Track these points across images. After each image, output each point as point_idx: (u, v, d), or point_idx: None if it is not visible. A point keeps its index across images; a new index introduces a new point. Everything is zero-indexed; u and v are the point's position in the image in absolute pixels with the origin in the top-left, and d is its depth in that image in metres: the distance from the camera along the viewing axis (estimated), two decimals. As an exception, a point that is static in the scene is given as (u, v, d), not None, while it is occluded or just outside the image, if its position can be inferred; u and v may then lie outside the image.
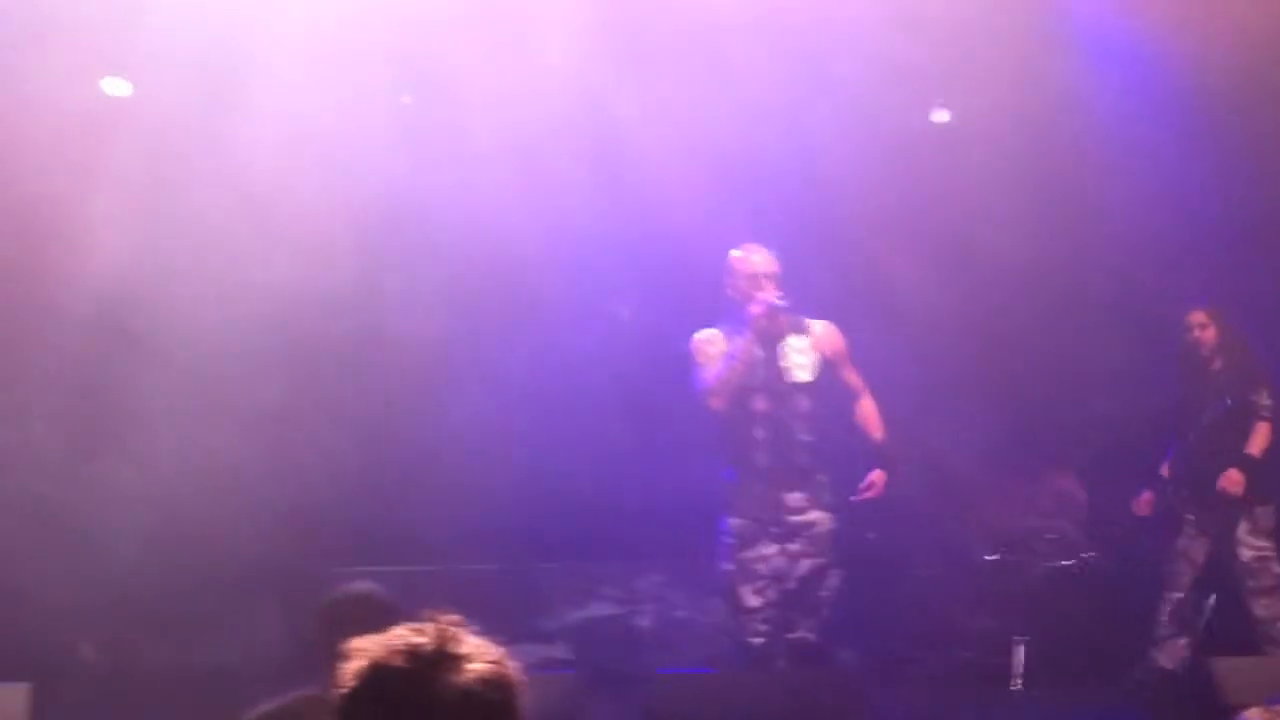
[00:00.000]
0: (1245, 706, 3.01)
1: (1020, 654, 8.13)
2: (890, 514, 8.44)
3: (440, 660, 2.01)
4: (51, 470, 8.04)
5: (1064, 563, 8.57)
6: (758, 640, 6.98)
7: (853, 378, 7.25)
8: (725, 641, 7.41)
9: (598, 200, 8.33)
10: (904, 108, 8.59)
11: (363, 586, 4.53)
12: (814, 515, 7.03)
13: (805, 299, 7.03)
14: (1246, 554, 7.76)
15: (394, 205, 8.20)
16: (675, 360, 7.39)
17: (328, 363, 8.49)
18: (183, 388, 8.17)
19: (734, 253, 7.08)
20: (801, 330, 7.05)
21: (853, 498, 7.12)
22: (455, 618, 2.08)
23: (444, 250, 8.41)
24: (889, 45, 7.98)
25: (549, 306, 8.53)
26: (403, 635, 2.06)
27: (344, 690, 2.03)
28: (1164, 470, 8.07)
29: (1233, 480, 7.71)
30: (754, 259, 7.01)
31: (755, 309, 6.89)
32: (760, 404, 6.98)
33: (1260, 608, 7.75)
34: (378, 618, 3.88)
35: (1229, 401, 7.76)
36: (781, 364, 7.00)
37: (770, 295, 6.88)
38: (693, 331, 7.19)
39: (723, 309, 7.15)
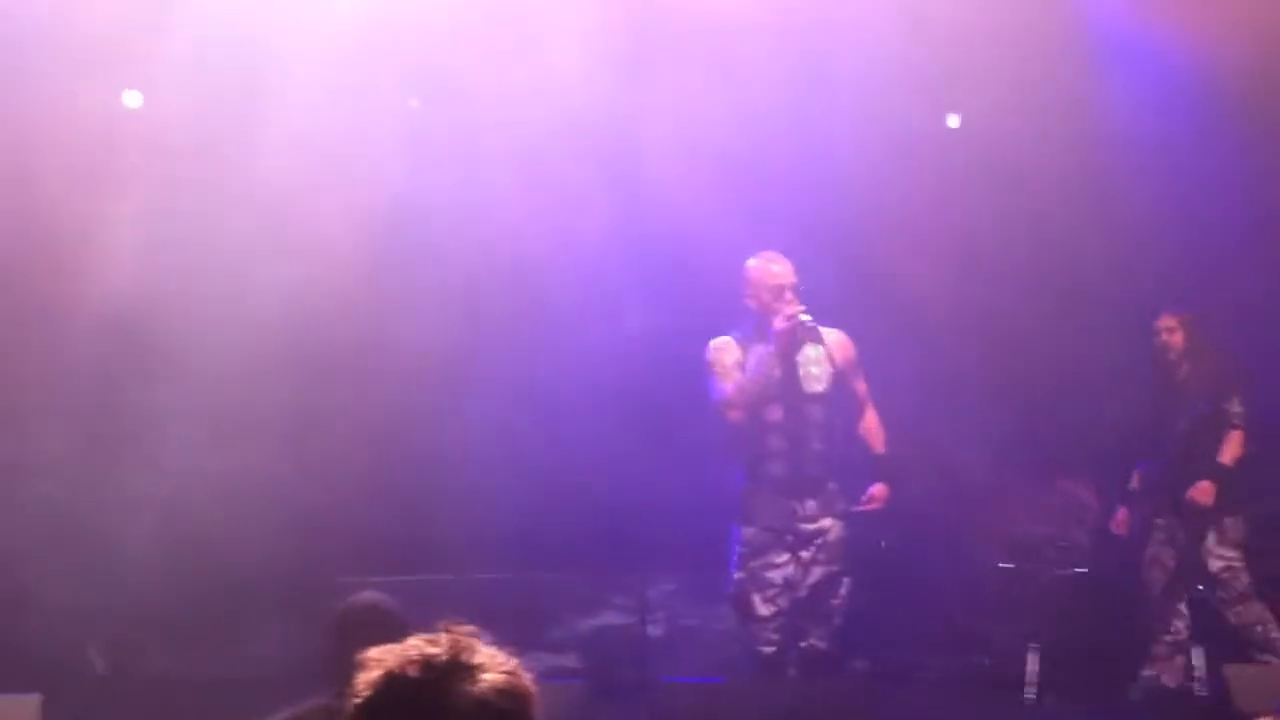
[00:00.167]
0: (1258, 714, 2.99)
1: (1034, 662, 8.10)
2: (902, 521, 8.44)
3: (454, 670, 2.00)
4: (64, 477, 8.03)
5: (1076, 569, 8.53)
6: (769, 649, 6.97)
7: (860, 388, 7.26)
8: (736, 650, 7.40)
9: (608, 206, 8.32)
10: (913, 111, 8.57)
11: (371, 596, 4.53)
12: (826, 523, 7.03)
13: (812, 304, 7.01)
14: (1215, 565, 7.71)
15: (404, 211, 8.20)
16: (686, 366, 7.38)
17: (338, 370, 8.48)
18: (194, 395, 8.17)
19: (751, 262, 7.05)
20: (817, 340, 7.05)
21: (854, 508, 7.12)
22: (470, 628, 2.07)
23: (454, 256, 8.40)
24: (900, 49, 7.98)
25: (559, 312, 8.51)
26: (417, 645, 2.05)
27: (358, 700, 2.02)
28: (1134, 483, 8.04)
29: (1203, 491, 7.67)
30: (774, 269, 6.98)
31: (781, 324, 6.87)
32: (775, 414, 6.97)
33: (1233, 615, 7.70)
34: (386, 627, 3.91)
35: (1204, 406, 7.71)
36: (798, 374, 6.99)
37: (795, 309, 6.85)
38: (702, 337, 7.18)
39: (733, 315, 7.14)
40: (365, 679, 2.02)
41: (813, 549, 7.00)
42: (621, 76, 8.03)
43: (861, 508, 7.12)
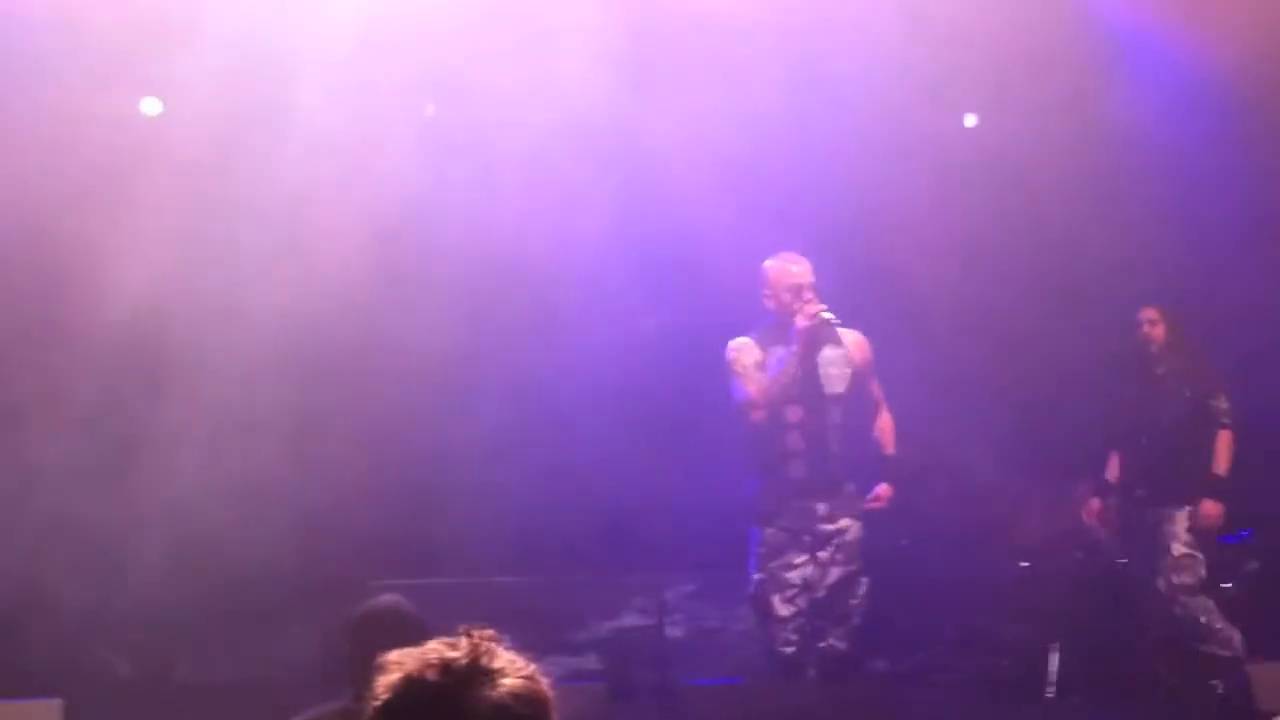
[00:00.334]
0: (1276, 713, 2.98)
1: (1054, 662, 8.07)
2: (920, 522, 8.43)
3: (473, 674, 1.99)
4: (81, 486, 8.04)
5: (1096, 568, 8.50)
6: (788, 649, 6.97)
7: (875, 389, 7.25)
8: (756, 651, 7.39)
9: (614, 207, 8.33)
10: (915, 111, 8.56)
11: (389, 600, 4.53)
12: (844, 523, 7.03)
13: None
14: (1177, 549, 7.65)
15: (413, 214, 8.21)
16: (695, 366, 7.38)
17: (355, 376, 8.49)
18: (210, 402, 8.18)
19: (770, 262, 7.05)
20: (836, 340, 7.04)
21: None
22: (489, 632, 2.06)
23: (465, 259, 8.40)
24: (901, 49, 7.97)
25: (571, 313, 8.52)
26: (436, 649, 2.04)
27: (376, 703, 2.02)
28: (1109, 475, 8.01)
29: (1212, 514, 7.64)
30: (793, 268, 6.98)
31: (803, 323, 6.86)
32: (795, 414, 6.97)
33: (1180, 607, 7.65)
34: (406, 631, 3.91)
35: (1189, 403, 7.67)
36: (819, 375, 6.98)
37: (818, 307, 6.85)
38: (711, 337, 7.19)
39: (742, 314, 7.14)
40: (384, 682, 2.02)
41: (831, 549, 7.00)
42: (628, 79, 8.04)
43: (866, 507, 7.10)
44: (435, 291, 8.39)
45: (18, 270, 8.12)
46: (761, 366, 7.00)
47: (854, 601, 7.07)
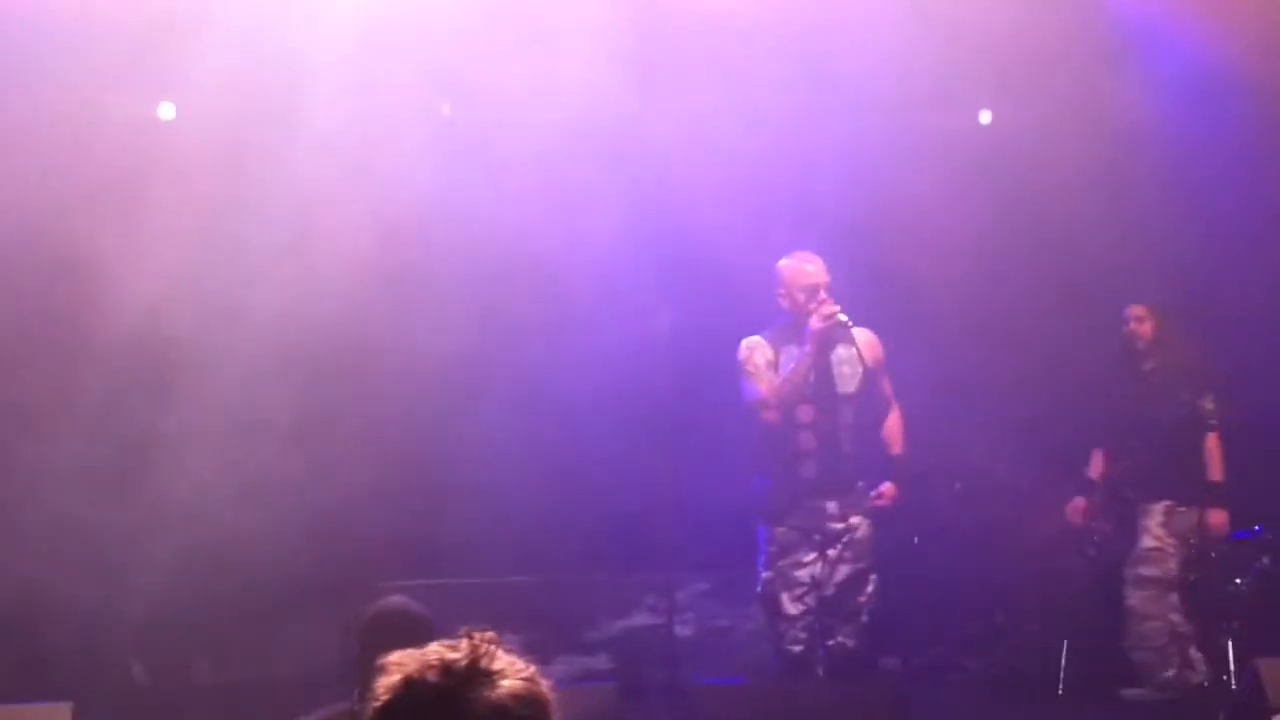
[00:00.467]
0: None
1: (1065, 659, 8.07)
2: (931, 520, 8.43)
3: (473, 676, 2.00)
4: (91, 489, 8.06)
5: (1108, 565, 8.49)
6: (797, 647, 6.97)
7: (886, 388, 7.25)
8: (765, 650, 7.39)
9: (630, 210, 8.33)
10: (923, 110, 8.56)
11: (397, 601, 4.54)
12: (854, 520, 7.02)
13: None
14: (1147, 541, 7.64)
15: (426, 217, 8.22)
16: (711, 366, 7.38)
17: (365, 376, 8.51)
18: (222, 403, 8.20)
19: (784, 261, 7.04)
20: (849, 340, 7.03)
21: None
22: (490, 633, 2.07)
23: (478, 262, 8.41)
24: (907, 48, 7.97)
25: (584, 315, 8.52)
26: (437, 650, 2.05)
27: (376, 704, 2.02)
28: (1091, 472, 7.98)
29: (1219, 525, 7.63)
30: (807, 268, 6.97)
31: (817, 324, 6.85)
32: (807, 414, 6.97)
33: (1134, 599, 7.64)
34: (414, 631, 3.92)
35: (1180, 406, 7.61)
36: (831, 374, 6.98)
37: (832, 308, 6.84)
38: (726, 337, 7.18)
39: (754, 312, 7.14)
40: (384, 683, 2.03)
41: (840, 546, 7.00)
42: (637, 79, 8.05)
43: (870, 504, 7.09)
44: (445, 292, 8.41)
45: (29, 270, 8.14)
46: (774, 366, 6.99)
47: (862, 599, 7.06)
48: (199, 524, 8.02)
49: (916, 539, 8.62)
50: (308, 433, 8.34)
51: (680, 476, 8.20)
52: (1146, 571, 7.66)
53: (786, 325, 7.03)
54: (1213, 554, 7.76)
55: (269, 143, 7.92)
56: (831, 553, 6.99)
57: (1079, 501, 8.00)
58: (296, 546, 7.98)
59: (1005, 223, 8.63)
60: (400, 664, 2.04)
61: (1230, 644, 7.70)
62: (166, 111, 8.42)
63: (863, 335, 7.11)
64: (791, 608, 6.96)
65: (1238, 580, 7.84)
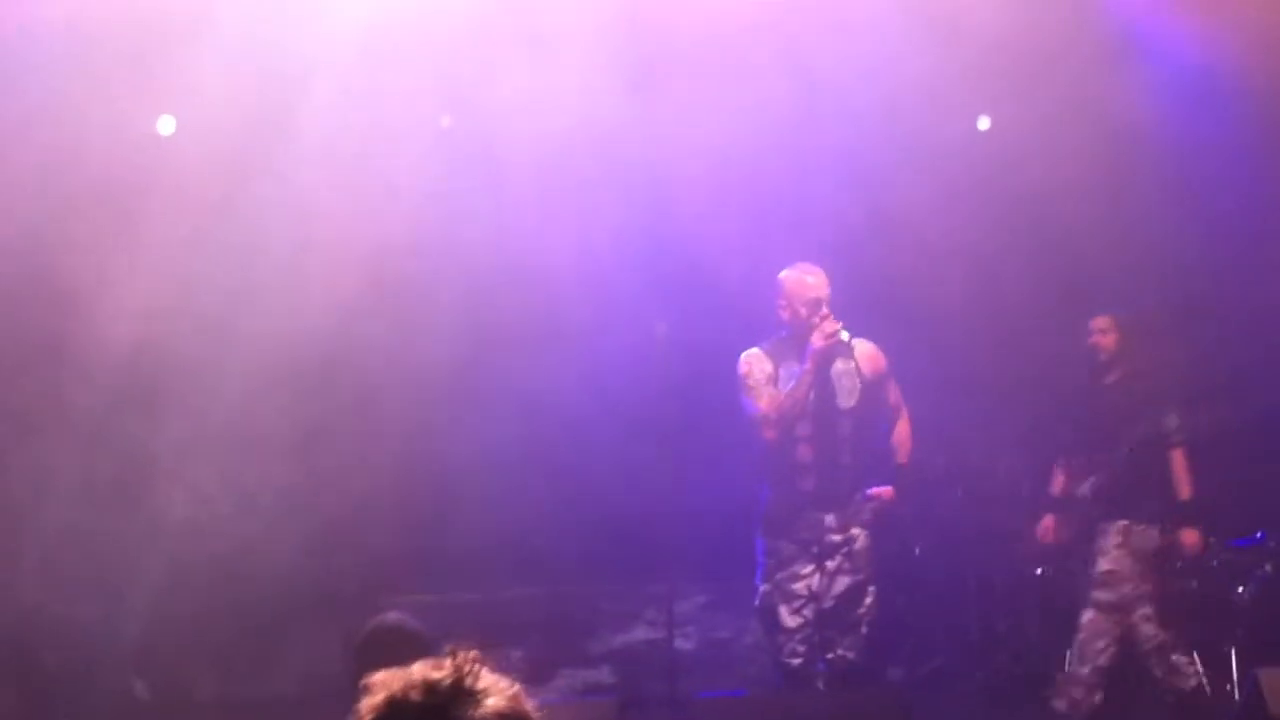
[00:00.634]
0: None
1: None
2: (933, 528, 8.41)
3: (457, 695, 1.99)
4: (90, 503, 8.07)
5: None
6: (795, 660, 6.93)
7: (893, 396, 7.19)
8: (765, 663, 7.36)
9: (630, 219, 8.34)
10: (922, 115, 8.56)
11: (393, 618, 4.53)
12: (853, 532, 6.99)
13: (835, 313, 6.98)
14: (1104, 564, 7.46)
15: (427, 228, 8.23)
16: (711, 375, 7.36)
17: (367, 388, 8.51)
18: (224, 418, 8.20)
19: (786, 273, 6.98)
20: (848, 354, 6.97)
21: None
22: (475, 652, 2.06)
23: (479, 273, 8.42)
24: (907, 52, 7.97)
25: (583, 324, 8.53)
26: (421, 669, 2.04)
27: (360, 725, 2.02)
28: (1054, 489, 7.88)
29: (1192, 544, 7.52)
30: (809, 280, 6.91)
31: (819, 342, 6.82)
32: (805, 428, 6.93)
33: (1084, 617, 7.48)
34: (411, 648, 3.90)
35: (1143, 425, 7.44)
36: (831, 389, 6.95)
37: (834, 326, 6.80)
38: (726, 347, 7.15)
39: (760, 324, 7.11)
40: (368, 703, 2.03)
41: (838, 558, 6.97)
42: (638, 88, 8.07)
43: (865, 495, 7.05)
44: (444, 303, 8.41)
45: (27, 284, 8.15)
46: (773, 380, 6.94)
47: (862, 611, 7.03)
48: (199, 538, 8.03)
49: (918, 550, 8.60)
50: (308, 445, 8.34)
51: (680, 486, 8.18)
52: (1101, 596, 7.47)
53: (786, 339, 6.97)
54: (1189, 572, 7.68)
55: (267, 155, 7.93)
56: (830, 565, 6.96)
57: (1048, 520, 7.85)
58: (298, 560, 7.99)
59: (1005, 224, 8.61)
60: (385, 683, 2.03)
61: (1233, 653, 7.67)
62: (166, 126, 8.42)
63: (863, 347, 7.06)
64: (789, 620, 6.93)
65: (1240, 589, 7.80)
